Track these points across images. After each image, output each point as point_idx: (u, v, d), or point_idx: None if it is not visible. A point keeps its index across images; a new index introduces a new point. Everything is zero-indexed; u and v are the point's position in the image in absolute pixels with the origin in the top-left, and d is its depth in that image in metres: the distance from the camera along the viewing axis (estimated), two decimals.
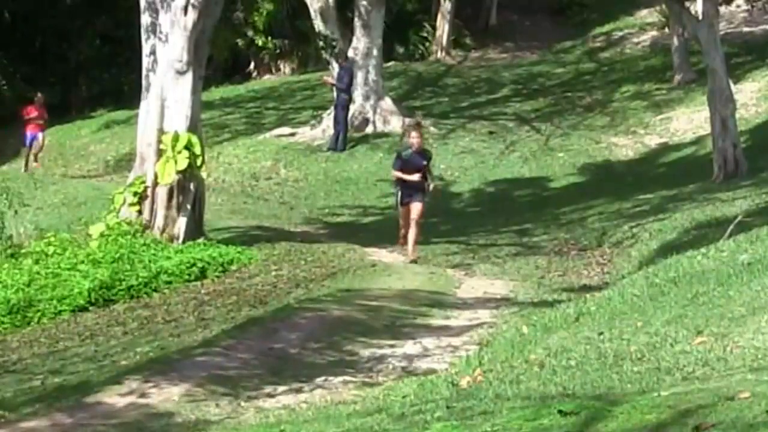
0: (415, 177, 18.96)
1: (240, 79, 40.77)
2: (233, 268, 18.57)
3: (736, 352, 8.07)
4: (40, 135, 32.64)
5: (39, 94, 33.36)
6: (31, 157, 32.48)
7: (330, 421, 7.72)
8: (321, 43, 33.68)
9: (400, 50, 40.23)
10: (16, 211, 20.26)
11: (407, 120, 28.15)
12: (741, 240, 12.45)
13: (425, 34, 40.94)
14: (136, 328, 14.90)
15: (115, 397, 10.59)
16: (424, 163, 19.21)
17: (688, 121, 31.82)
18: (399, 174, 19.34)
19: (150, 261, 18.09)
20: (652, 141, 31.41)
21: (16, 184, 23.73)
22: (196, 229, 20.13)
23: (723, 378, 7.26)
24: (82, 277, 17.27)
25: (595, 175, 28.90)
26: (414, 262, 19.10)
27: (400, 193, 19.51)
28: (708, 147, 27.30)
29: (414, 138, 19.38)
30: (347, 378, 11.29)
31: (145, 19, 20.59)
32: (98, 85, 40.71)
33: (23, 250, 19.22)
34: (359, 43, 32.55)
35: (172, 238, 19.64)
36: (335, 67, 32.35)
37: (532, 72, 37.86)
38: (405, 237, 19.52)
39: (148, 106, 20.44)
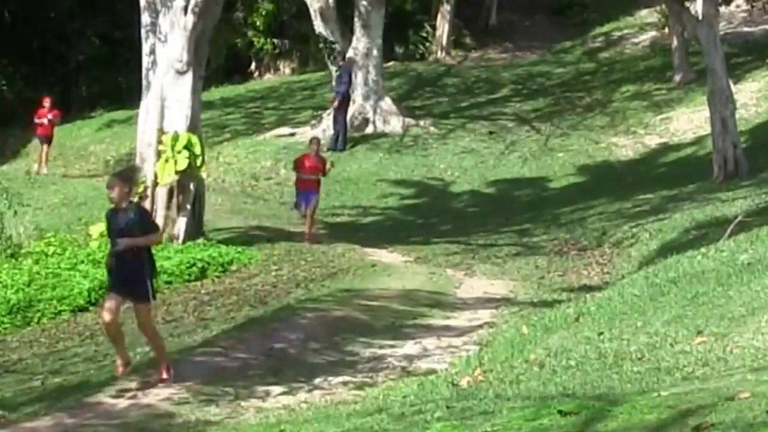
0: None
1: (240, 79, 40.77)
2: (233, 268, 18.58)
3: (736, 352, 8.07)
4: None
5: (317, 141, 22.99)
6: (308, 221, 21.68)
7: (330, 421, 7.72)
8: (321, 45, 33.69)
9: (400, 50, 40.23)
10: (16, 211, 20.26)
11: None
12: (741, 240, 12.45)
13: (425, 34, 40.93)
14: (136, 328, 14.89)
15: (114, 398, 10.59)
16: (121, 227, 11.11)
17: (688, 121, 31.80)
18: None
19: None
20: (652, 141, 31.40)
21: (16, 184, 23.75)
22: (196, 229, 20.14)
23: (723, 378, 7.26)
24: (82, 277, 17.29)
25: (595, 175, 28.89)
26: None
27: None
28: (708, 147, 27.28)
29: (111, 188, 11.20)
30: (347, 378, 11.29)
31: (145, 19, 20.60)
32: (98, 85, 40.73)
33: (23, 250, 19.23)
34: (359, 43, 32.54)
35: (172, 238, 19.65)
36: (333, 70, 32.38)
37: (532, 72, 37.85)
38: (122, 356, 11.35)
39: (147, 106, 20.45)
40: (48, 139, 31.89)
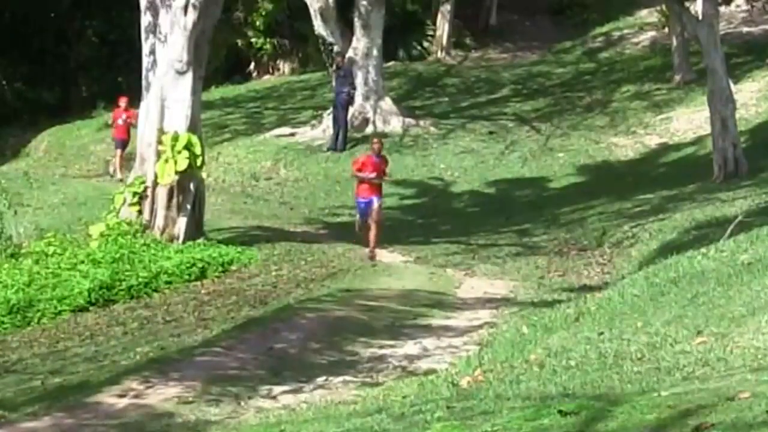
0: None
1: (240, 79, 40.76)
2: (233, 268, 18.59)
3: (736, 352, 8.06)
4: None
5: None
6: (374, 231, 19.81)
7: (330, 421, 7.72)
8: (320, 47, 33.69)
9: (401, 50, 40.22)
10: (15, 211, 20.26)
11: None
12: (741, 240, 12.43)
13: (426, 34, 40.92)
14: (136, 328, 14.91)
15: (115, 398, 10.59)
16: None
17: (688, 121, 31.80)
18: None
19: (150, 261, 18.10)
20: (652, 141, 31.40)
21: (16, 184, 23.76)
22: (196, 229, 20.14)
23: (723, 378, 7.25)
24: (82, 277, 17.28)
25: (595, 175, 28.89)
26: None
27: None
28: (708, 147, 27.29)
29: None
30: (347, 378, 11.29)
31: (145, 18, 20.59)
32: (98, 85, 40.73)
33: (23, 250, 19.23)
34: (359, 43, 32.54)
35: (172, 238, 19.65)
36: (332, 71, 32.41)
37: (532, 72, 37.83)
38: None
39: (148, 106, 20.45)
40: (123, 143, 29.13)
